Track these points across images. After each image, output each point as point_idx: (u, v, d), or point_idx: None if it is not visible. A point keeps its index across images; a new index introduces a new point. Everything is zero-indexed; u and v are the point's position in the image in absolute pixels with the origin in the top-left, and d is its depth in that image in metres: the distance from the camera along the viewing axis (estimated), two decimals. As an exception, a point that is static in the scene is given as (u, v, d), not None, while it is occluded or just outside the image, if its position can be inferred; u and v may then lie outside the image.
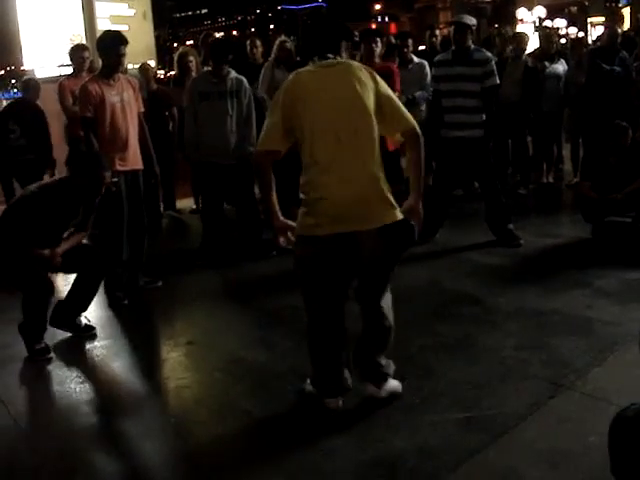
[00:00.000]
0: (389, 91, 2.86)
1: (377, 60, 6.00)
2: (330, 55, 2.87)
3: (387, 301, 3.00)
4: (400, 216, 2.79)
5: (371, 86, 2.79)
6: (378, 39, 6.07)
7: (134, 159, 4.68)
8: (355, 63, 2.91)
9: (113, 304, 4.68)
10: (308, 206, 2.80)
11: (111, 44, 4.56)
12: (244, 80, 5.38)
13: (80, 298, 4.12)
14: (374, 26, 35.47)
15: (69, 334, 4.13)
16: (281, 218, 2.89)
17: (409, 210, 2.84)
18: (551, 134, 7.47)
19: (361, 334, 3.02)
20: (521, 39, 7.34)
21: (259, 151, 2.89)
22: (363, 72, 2.83)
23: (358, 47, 6.76)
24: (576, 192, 5.82)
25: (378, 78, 2.85)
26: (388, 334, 3.01)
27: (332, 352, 2.97)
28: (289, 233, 2.87)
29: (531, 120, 7.28)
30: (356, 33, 7.84)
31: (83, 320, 4.17)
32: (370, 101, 2.77)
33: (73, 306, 4.12)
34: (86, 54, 6.63)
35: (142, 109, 4.86)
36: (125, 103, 4.61)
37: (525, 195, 7.15)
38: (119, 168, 4.55)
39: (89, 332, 4.13)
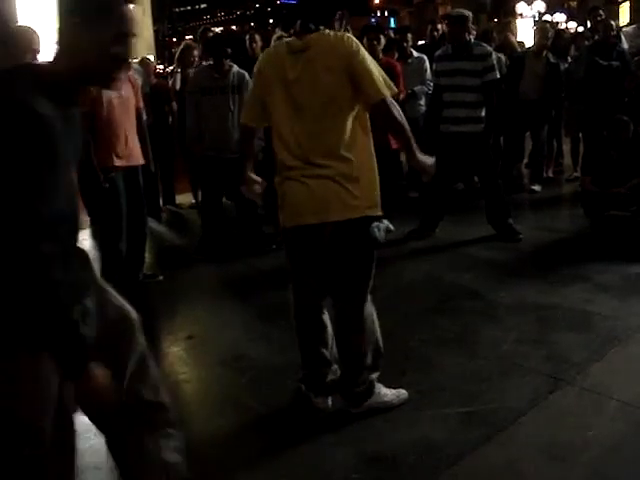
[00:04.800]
0: (359, 65, 2.60)
1: (380, 56, 5.98)
2: (312, 26, 2.69)
3: (363, 313, 2.85)
4: (358, 214, 2.70)
5: (343, 67, 2.60)
6: (380, 35, 6.06)
7: (132, 155, 4.64)
8: (330, 39, 2.65)
9: None
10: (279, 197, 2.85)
11: None
12: (246, 74, 5.37)
13: None
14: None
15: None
16: (250, 176, 2.99)
17: (416, 168, 2.84)
18: (551, 128, 7.45)
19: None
20: (543, 34, 7.04)
21: (241, 124, 3.03)
22: (332, 51, 2.63)
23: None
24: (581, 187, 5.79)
25: (352, 50, 2.62)
26: (355, 351, 2.86)
27: (314, 350, 2.96)
28: (255, 187, 2.99)
29: (552, 117, 7.21)
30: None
31: None
32: (340, 90, 2.61)
33: None
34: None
35: (141, 104, 4.82)
36: (123, 99, 4.56)
37: (538, 191, 7.07)
38: (116, 164, 4.53)
39: None
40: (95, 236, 4.80)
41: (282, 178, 2.80)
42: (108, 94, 4.47)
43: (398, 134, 2.75)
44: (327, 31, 2.70)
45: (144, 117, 4.88)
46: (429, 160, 2.80)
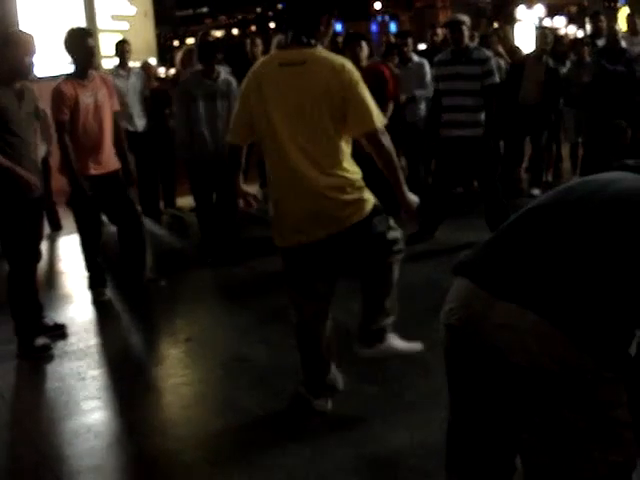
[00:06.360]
0: (357, 94, 2.65)
1: (364, 63, 5.96)
2: (304, 39, 2.68)
3: (392, 273, 2.91)
4: (359, 217, 2.74)
5: (337, 89, 2.63)
6: (362, 42, 6.02)
7: (109, 161, 4.55)
8: (327, 61, 2.67)
9: (96, 300, 4.70)
10: (274, 216, 2.85)
11: (77, 39, 4.39)
12: (232, 81, 5.37)
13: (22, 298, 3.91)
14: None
15: (66, 331, 4.15)
16: (242, 189, 3.00)
17: (401, 204, 2.86)
18: (550, 133, 7.46)
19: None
20: (543, 39, 7.06)
21: (228, 142, 2.98)
22: (331, 73, 2.64)
23: (343, 52, 6.74)
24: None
25: (352, 79, 2.65)
26: (379, 300, 2.93)
27: (313, 352, 2.97)
28: (250, 198, 3.01)
29: (552, 122, 7.24)
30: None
31: (48, 321, 4.14)
32: (331, 108, 2.64)
33: (27, 309, 3.92)
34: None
35: (117, 108, 4.74)
36: (99, 103, 4.44)
37: (538, 196, 7.08)
38: (93, 172, 4.45)
39: (60, 330, 4.13)
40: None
41: (277, 195, 2.81)
42: (86, 100, 4.38)
43: (387, 164, 2.75)
44: (323, 51, 2.72)
45: (120, 121, 4.83)
46: (414, 198, 2.85)
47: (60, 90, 4.35)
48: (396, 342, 3.04)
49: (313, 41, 2.70)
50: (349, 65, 2.71)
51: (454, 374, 1.65)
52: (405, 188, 2.80)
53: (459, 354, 1.61)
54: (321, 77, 2.64)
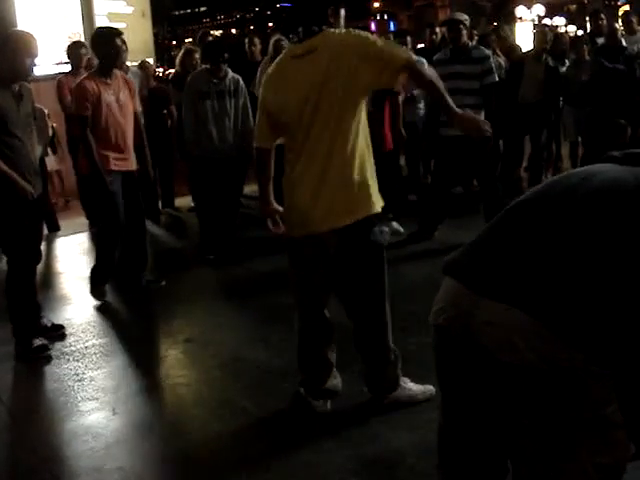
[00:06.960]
0: (372, 44, 2.62)
1: None
2: (315, 28, 2.69)
3: (385, 310, 2.92)
4: (365, 213, 2.74)
5: (358, 57, 2.59)
6: None
7: (130, 159, 4.60)
8: (337, 35, 2.68)
9: (95, 298, 4.69)
10: (286, 207, 2.85)
11: (106, 38, 4.47)
12: (240, 79, 5.43)
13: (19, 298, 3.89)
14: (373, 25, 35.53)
15: (65, 332, 4.14)
16: (272, 204, 2.93)
17: (462, 127, 2.73)
18: (550, 132, 7.45)
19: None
20: (542, 37, 7.10)
21: (255, 147, 2.92)
22: (340, 39, 2.65)
23: None
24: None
25: (367, 37, 2.66)
26: (379, 348, 2.92)
27: (316, 354, 2.96)
28: (278, 218, 2.91)
29: (552, 120, 7.24)
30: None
31: (46, 322, 4.11)
32: (351, 79, 2.60)
33: (25, 310, 3.91)
34: (84, 51, 6.63)
35: (139, 109, 4.79)
36: (121, 102, 4.50)
37: None
38: (114, 168, 4.48)
39: (58, 331, 4.11)
40: (93, 239, 4.81)
41: (291, 187, 2.80)
42: (108, 98, 4.44)
43: (431, 88, 2.73)
44: (331, 30, 2.72)
45: (142, 121, 4.87)
46: (471, 114, 2.77)
47: (83, 86, 4.41)
48: (410, 386, 3.01)
49: (324, 27, 2.72)
50: (351, 29, 2.73)
51: (443, 374, 1.63)
52: (453, 106, 2.69)
53: (448, 354, 1.60)
54: (333, 55, 2.62)
